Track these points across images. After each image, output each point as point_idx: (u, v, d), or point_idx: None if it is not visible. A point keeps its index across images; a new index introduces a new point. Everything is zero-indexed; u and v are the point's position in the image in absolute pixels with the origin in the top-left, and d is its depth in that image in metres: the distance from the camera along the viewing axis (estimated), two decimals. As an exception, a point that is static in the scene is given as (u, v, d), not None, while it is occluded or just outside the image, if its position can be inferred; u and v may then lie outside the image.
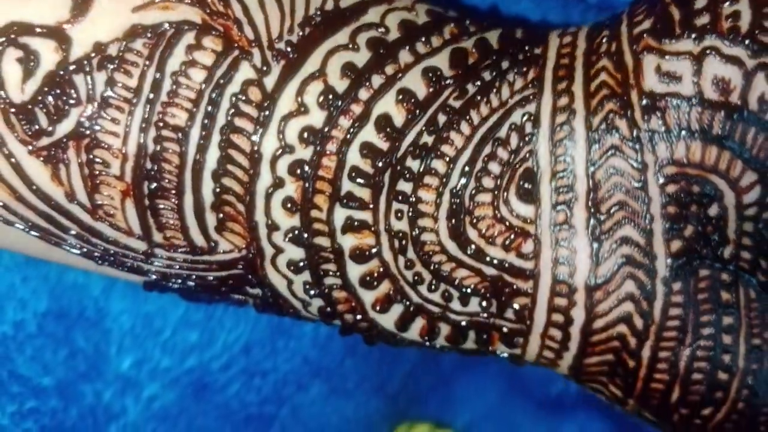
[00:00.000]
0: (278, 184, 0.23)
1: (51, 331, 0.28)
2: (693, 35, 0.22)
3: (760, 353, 0.23)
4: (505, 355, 0.24)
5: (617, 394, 0.24)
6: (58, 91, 0.22)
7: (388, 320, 0.24)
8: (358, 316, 0.24)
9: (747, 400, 0.23)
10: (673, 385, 0.23)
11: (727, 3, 0.22)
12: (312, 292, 0.24)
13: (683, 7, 0.23)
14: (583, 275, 0.23)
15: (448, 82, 0.23)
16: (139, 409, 0.29)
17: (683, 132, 0.22)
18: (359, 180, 0.23)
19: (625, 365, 0.23)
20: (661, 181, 0.23)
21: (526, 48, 0.24)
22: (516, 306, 0.23)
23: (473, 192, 0.23)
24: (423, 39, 0.23)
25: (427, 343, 0.24)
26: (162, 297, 0.29)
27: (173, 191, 0.23)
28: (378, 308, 0.24)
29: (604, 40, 0.24)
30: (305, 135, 0.22)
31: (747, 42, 0.22)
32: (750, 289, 0.23)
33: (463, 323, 0.24)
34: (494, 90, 0.23)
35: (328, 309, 0.24)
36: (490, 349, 0.24)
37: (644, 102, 0.22)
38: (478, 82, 0.23)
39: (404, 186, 0.23)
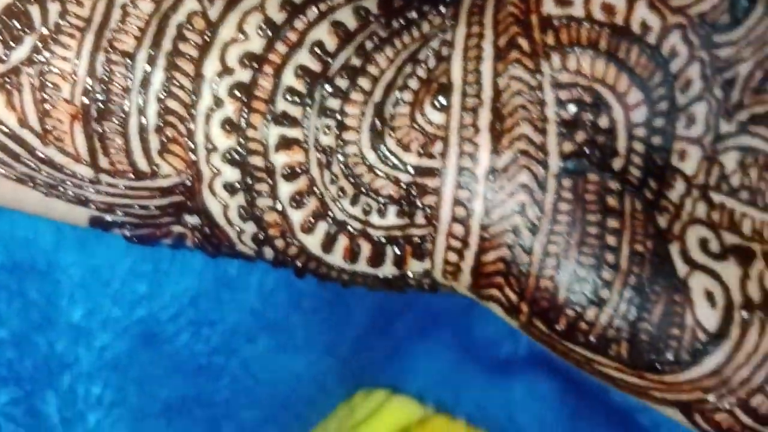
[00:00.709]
0: (218, 104, 0.25)
1: (4, 283, 0.30)
2: None
3: (642, 258, 0.25)
4: (419, 272, 0.26)
5: (512, 298, 0.26)
6: (14, 21, 0.24)
7: (314, 242, 0.25)
8: (288, 239, 0.25)
9: (629, 301, 0.25)
10: (559, 283, 0.25)
11: None
12: (245, 215, 0.25)
13: None
14: (484, 167, 0.25)
15: (376, 18, 0.25)
16: (91, 358, 0.31)
17: (575, 46, 0.25)
18: (293, 99, 0.25)
19: (519, 260, 0.25)
20: (556, 88, 0.25)
21: None
22: (425, 205, 0.25)
23: (394, 105, 0.25)
24: None
25: (349, 267, 0.26)
26: (110, 249, 0.30)
27: (120, 114, 0.25)
28: (305, 228, 0.25)
29: None
30: (245, 60, 0.25)
31: None
32: (637, 200, 0.25)
33: (382, 239, 0.25)
34: (416, 26, 0.26)
35: (260, 235, 0.25)
36: (406, 269, 0.26)
37: (542, 23, 0.25)
38: (402, 20, 0.26)
39: (332, 103, 0.25)
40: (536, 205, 0.25)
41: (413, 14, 0.26)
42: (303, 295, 0.34)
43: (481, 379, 0.42)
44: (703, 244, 0.26)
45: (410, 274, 0.26)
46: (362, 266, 0.26)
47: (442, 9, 0.26)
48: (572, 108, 0.25)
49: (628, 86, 0.25)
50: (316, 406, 0.37)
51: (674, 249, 0.26)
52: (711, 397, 0.26)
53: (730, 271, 0.26)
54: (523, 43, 0.25)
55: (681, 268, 0.26)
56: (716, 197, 0.26)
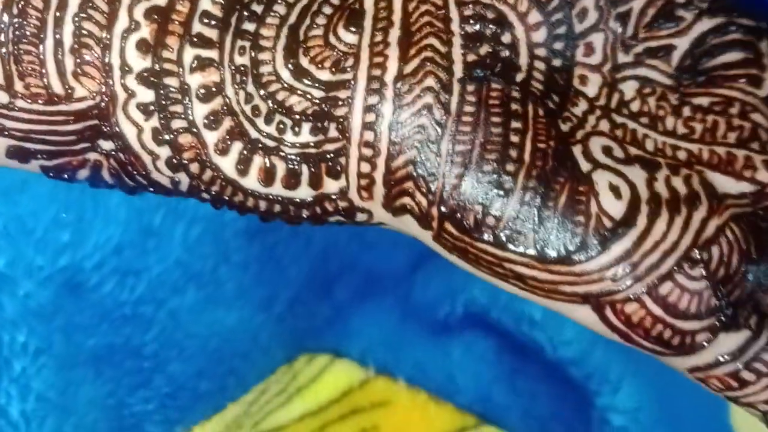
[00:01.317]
0: (134, 27, 0.25)
1: (-72, 232, 0.30)
2: None
3: (545, 153, 0.26)
4: (335, 192, 0.27)
5: (423, 203, 0.26)
6: None
7: (229, 164, 0.26)
8: (203, 162, 0.26)
9: (535, 189, 0.26)
10: (467, 179, 0.26)
11: None
12: (160, 138, 0.26)
13: None
14: (392, 73, 0.26)
15: None
16: (15, 306, 0.31)
17: None
18: (209, 22, 0.25)
19: (428, 162, 0.26)
20: (460, 6, 0.27)
21: None
22: (337, 117, 0.26)
23: (308, 28, 0.26)
24: None
25: (264, 190, 0.26)
26: (34, 199, 0.31)
27: (36, 35, 0.25)
28: (220, 148, 0.26)
29: None
30: None
31: None
32: (539, 107, 0.27)
33: (296, 157, 0.26)
34: None
35: (175, 159, 0.26)
36: (322, 193, 0.27)
37: None
38: None
39: (248, 26, 0.26)
40: (442, 106, 0.26)
41: None
42: (231, 249, 0.34)
43: (420, 340, 0.42)
44: (608, 150, 0.27)
45: (327, 194, 0.27)
46: (278, 189, 0.26)
47: None
48: (475, 23, 0.27)
49: (528, 7, 0.27)
50: (254, 364, 0.37)
51: (577, 150, 0.27)
52: (620, 285, 0.26)
53: (636, 172, 0.27)
54: None
55: (584, 165, 0.26)
56: (618, 119, 0.28)
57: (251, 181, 0.26)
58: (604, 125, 0.28)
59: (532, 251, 0.26)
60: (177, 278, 0.33)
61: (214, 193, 0.26)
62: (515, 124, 0.26)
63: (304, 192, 0.26)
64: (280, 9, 0.26)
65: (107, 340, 0.32)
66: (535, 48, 0.27)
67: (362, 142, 0.26)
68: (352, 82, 0.26)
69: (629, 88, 0.28)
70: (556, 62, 0.27)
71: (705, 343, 0.27)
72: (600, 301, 0.26)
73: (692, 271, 0.26)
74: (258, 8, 0.26)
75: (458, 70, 0.26)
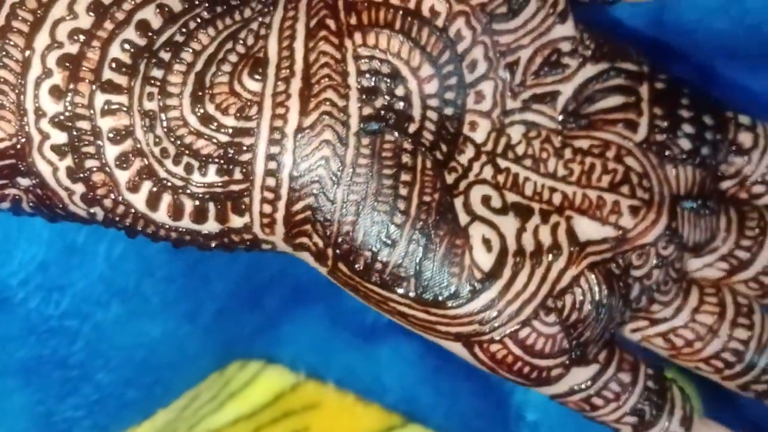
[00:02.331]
0: (47, 74, 0.27)
1: None
2: None
3: (429, 207, 0.29)
4: (239, 227, 0.29)
5: (319, 244, 0.29)
6: None
7: (140, 200, 0.28)
8: (115, 199, 0.28)
9: (417, 241, 0.29)
10: (358, 227, 0.28)
11: None
12: (74, 176, 0.28)
13: None
14: (292, 126, 0.28)
15: (200, 3, 0.28)
16: (-57, 321, 0.33)
17: (374, 26, 0.29)
18: (118, 68, 0.27)
19: (323, 208, 0.28)
20: (356, 58, 0.29)
21: None
22: (242, 162, 0.28)
23: (213, 75, 0.28)
24: None
25: (174, 223, 0.28)
26: (-41, 222, 0.33)
27: None
28: (131, 186, 0.28)
29: None
30: (74, 35, 0.27)
31: None
32: (428, 159, 0.29)
33: (203, 195, 0.28)
34: (239, 10, 0.29)
35: (90, 195, 0.28)
36: (228, 227, 0.29)
37: (346, 6, 0.29)
38: (226, 5, 0.29)
39: (156, 72, 0.27)
40: (338, 158, 0.28)
41: (235, 0, 0.29)
42: (155, 264, 0.36)
43: (348, 345, 0.44)
44: (486, 200, 0.30)
45: (233, 228, 0.29)
46: (186, 223, 0.28)
47: None
48: (371, 77, 0.29)
49: (420, 61, 0.29)
50: (181, 373, 0.39)
51: (458, 202, 0.30)
52: (486, 329, 0.29)
53: (508, 223, 0.30)
54: (331, 23, 0.29)
55: (463, 218, 0.29)
56: (503, 163, 0.31)
57: (161, 216, 0.28)
58: (488, 171, 0.30)
59: (412, 294, 0.29)
60: (101, 293, 0.35)
61: (127, 224, 0.28)
62: (405, 177, 0.29)
63: (211, 226, 0.29)
64: (187, 56, 0.28)
65: (35, 352, 0.34)
66: (427, 99, 0.29)
67: (264, 186, 0.28)
68: (256, 130, 0.28)
69: (516, 132, 0.31)
70: (448, 111, 0.30)
71: (559, 377, 0.31)
72: (470, 341, 0.30)
73: (547, 318, 0.30)
74: (166, 56, 0.28)
75: (354, 123, 0.28)
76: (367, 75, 0.29)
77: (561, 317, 0.30)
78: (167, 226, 0.29)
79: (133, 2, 0.28)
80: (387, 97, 0.29)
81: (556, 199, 0.31)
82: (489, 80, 0.30)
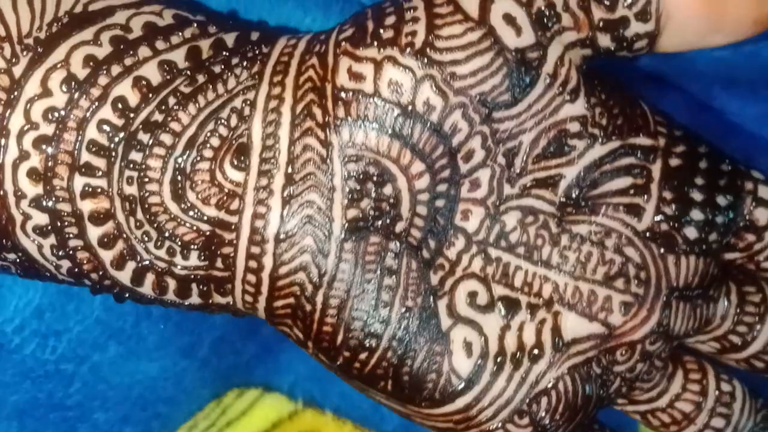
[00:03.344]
0: (24, 156, 0.26)
1: None
2: (378, 45, 0.27)
3: (410, 313, 0.28)
4: (222, 303, 0.29)
5: (300, 336, 0.29)
6: None
7: (125, 276, 0.28)
8: (101, 274, 0.28)
9: (395, 349, 0.28)
10: (338, 329, 0.28)
11: (409, 23, 0.27)
12: (59, 254, 0.28)
13: (376, 22, 0.28)
14: (274, 229, 0.27)
15: (180, 72, 0.27)
16: (-60, 368, 0.33)
17: (362, 122, 0.27)
18: (96, 150, 0.27)
19: (303, 309, 0.28)
20: (343, 159, 0.27)
21: (256, 47, 0.29)
22: (223, 254, 0.27)
23: (194, 161, 0.27)
24: (163, 37, 0.28)
25: (159, 296, 0.29)
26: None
27: None
28: (115, 266, 0.28)
29: (317, 43, 0.29)
30: (49, 114, 0.26)
31: (418, 55, 0.27)
32: (413, 260, 0.28)
33: (186, 276, 0.28)
34: (221, 81, 0.28)
35: (76, 269, 0.28)
36: (211, 302, 0.29)
37: (335, 94, 0.27)
38: (209, 74, 0.28)
39: (135, 156, 0.27)
40: (318, 265, 0.27)
41: (219, 68, 0.28)
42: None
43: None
44: (472, 296, 0.29)
45: (216, 303, 0.29)
46: (171, 296, 0.29)
47: (250, 63, 0.28)
48: (358, 178, 0.27)
49: (411, 159, 0.28)
50: (179, 406, 0.39)
51: (442, 304, 0.29)
52: (460, 427, 0.29)
53: (492, 321, 0.29)
54: (317, 112, 0.27)
55: (445, 321, 0.29)
56: (494, 252, 0.29)
57: (147, 290, 0.28)
58: (478, 263, 0.29)
59: (389, 390, 0.29)
60: (98, 336, 0.35)
61: (115, 293, 0.29)
62: (388, 281, 0.28)
63: (195, 300, 0.29)
64: (167, 139, 0.27)
65: (30, 395, 0.35)
66: (418, 194, 0.28)
67: (245, 281, 0.28)
68: (237, 225, 0.27)
69: (512, 218, 0.29)
70: (439, 203, 0.28)
71: None
72: None
73: (520, 421, 0.29)
74: (144, 137, 0.27)
75: (337, 228, 0.27)
76: (354, 176, 0.27)
77: (534, 420, 0.29)
78: (152, 297, 0.29)
79: (108, 76, 0.27)
80: (374, 197, 0.28)
81: (546, 290, 0.29)
82: (486, 168, 0.29)
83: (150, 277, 0.28)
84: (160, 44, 0.27)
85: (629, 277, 0.30)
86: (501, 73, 0.27)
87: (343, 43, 0.28)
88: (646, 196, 0.30)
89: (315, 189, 0.27)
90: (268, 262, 0.27)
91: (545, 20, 0.28)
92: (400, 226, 0.28)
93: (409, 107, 0.27)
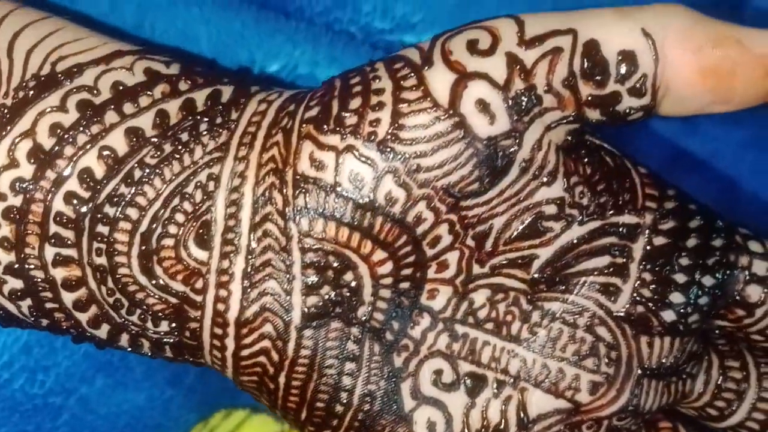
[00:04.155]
0: None
1: None
2: (340, 132, 0.26)
3: (372, 397, 0.28)
4: (196, 360, 0.29)
5: (268, 405, 0.29)
6: None
7: (102, 333, 0.28)
8: (80, 330, 0.28)
9: (357, 429, 0.28)
10: (302, 408, 0.28)
11: (374, 109, 0.26)
12: (37, 314, 0.28)
13: (341, 104, 0.27)
14: (234, 314, 0.27)
15: (147, 141, 0.27)
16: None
17: (321, 212, 0.26)
18: (64, 224, 0.27)
19: (267, 387, 0.28)
20: (302, 249, 0.27)
21: (225, 112, 0.28)
22: (191, 328, 0.28)
23: (160, 236, 0.27)
24: (131, 99, 0.27)
25: (135, 350, 0.29)
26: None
27: None
28: (91, 325, 0.28)
29: (285, 116, 0.28)
30: (16, 185, 0.26)
31: (380, 147, 0.26)
32: (376, 344, 0.28)
33: (158, 340, 0.28)
34: (188, 150, 0.27)
35: (55, 326, 0.28)
36: (187, 358, 0.29)
37: (296, 181, 0.26)
38: (176, 143, 0.27)
39: (102, 228, 0.27)
40: (279, 351, 0.27)
41: (186, 135, 0.27)
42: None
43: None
44: (437, 375, 0.28)
45: (189, 359, 0.29)
46: (146, 352, 0.29)
47: (218, 131, 0.27)
48: (317, 267, 0.27)
49: (372, 248, 0.27)
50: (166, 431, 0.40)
51: (406, 386, 0.28)
52: None
53: (457, 400, 0.28)
54: (278, 198, 0.27)
55: (408, 403, 0.28)
56: (461, 329, 0.28)
57: (124, 344, 0.29)
58: (443, 341, 0.28)
59: None
60: (85, 369, 0.35)
61: (96, 344, 0.29)
62: (349, 367, 0.27)
63: (169, 355, 0.29)
64: (132, 213, 0.27)
65: (19, 429, 0.35)
66: (381, 279, 0.27)
67: (212, 354, 0.28)
68: (202, 304, 0.27)
69: (480, 296, 0.28)
70: (404, 285, 0.28)
71: None
72: None
73: None
74: (111, 210, 0.27)
75: (296, 317, 0.27)
76: (314, 265, 0.27)
77: None
78: (130, 350, 0.29)
79: (74, 146, 0.26)
80: (334, 285, 0.27)
81: (514, 366, 0.28)
82: (454, 251, 0.28)
83: (125, 336, 0.28)
84: (128, 107, 0.27)
85: (600, 356, 0.28)
86: (470, 164, 0.26)
87: (306, 126, 0.27)
88: (623, 277, 0.29)
89: (274, 277, 0.27)
90: (230, 344, 0.27)
91: (524, 104, 0.26)
92: (362, 311, 0.27)
93: (370, 200, 0.26)
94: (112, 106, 0.27)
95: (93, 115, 0.27)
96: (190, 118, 0.27)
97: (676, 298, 0.29)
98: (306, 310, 0.27)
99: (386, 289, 0.27)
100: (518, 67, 0.26)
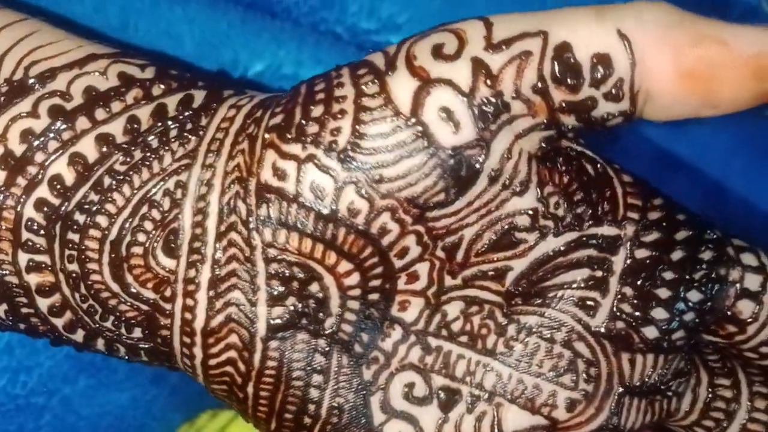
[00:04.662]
0: None
1: None
2: (302, 141, 0.25)
3: (340, 410, 0.27)
4: (171, 365, 0.29)
5: (241, 413, 0.29)
6: None
7: (78, 338, 0.28)
8: (56, 335, 0.28)
9: None
10: (271, 418, 0.28)
11: (335, 117, 0.25)
12: (14, 318, 0.28)
13: (303, 112, 0.26)
14: (200, 323, 0.27)
15: (118, 147, 0.27)
16: None
17: (284, 223, 0.26)
18: (35, 231, 0.26)
19: (237, 396, 0.28)
20: (266, 259, 0.26)
21: (195, 117, 0.28)
22: (162, 336, 0.28)
23: (129, 244, 0.27)
24: (103, 105, 0.27)
25: (116, 356, 0.29)
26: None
27: None
28: (67, 330, 0.28)
29: (252, 123, 0.27)
30: None
31: (341, 156, 0.25)
32: (344, 356, 0.27)
33: (133, 345, 0.28)
34: (157, 157, 0.27)
35: (33, 331, 0.28)
36: (163, 363, 0.29)
37: (258, 191, 0.26)
38: (146, 149, 0.27)
39: (73, 236, 0.27)
40: (245, 362, 0.27)
41: (156, 141, 0.27)
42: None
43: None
44: (409, 388, 0.28)
45: (164, 364, 0.29)
46: (123, 355, 0.29)
47: (187, 137, 0.27)
48: (282, 278, 0.26)
49: (336, 260, 0.26)
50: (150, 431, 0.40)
51: (375, 399, 0.27)
52: None
53: (429, 415, 0.28)
54: (242, 208, 0.26)
55: (378, 417, 0.27)
56: (434, 342, 0.28)
57: (100, 348, 0.29)
58: (416, 354, 0.27)
59: None
60: (68, 370, 0.35)
61: (74, 347, 0.29)
62: (317, 379, 0.27)
63: (145, 359, 0.29)
64: (102, 221, 0.27)
65: (1, 429, 0.35)
66: (348, 290, 0.27)
67: (184, 362, 0.28)
68: (171, 312, 0.27)
69: (454, 308, 0.28)
70: (373, 297, 0.27)
71: None
72: None
73: None
74: (81, 218, 0.26)
75: (261, 328, 0.26)
76: (278, 276, 0.26)
77: None
78: (107, 354, 0.29)
79: (45, 153, 0.26)
80: (299, 297, 0.26)
81: (489, 381, 0.27)
82: (424, 262, 0.27)
83: (101, 341, 0.28)
84: (99, 113, 0.27)
85: (578, 372, 0.27)
86: (434, 175, 0.25)
87: (270, 134, 0.26)
88: (602, 292, 0.27)
89: (239, 287, 0.26)
90: (198, 353, 0.27)
91: (490, 112, 0.25)
92: (329, 323, 0.27)
93: (332, 211, 0.25)
94: (84, 112, 0.27)
95: (64, 121, 0.27)
96: (160, 124, 0.27)
97: (659, 313, 0.28)
98: (271, 321, 0.26)
99: (354, 301, 0.27)
100: (484, 72, 0.25)
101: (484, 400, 0.27)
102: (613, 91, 0.25)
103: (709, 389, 0.30)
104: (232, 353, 0.27)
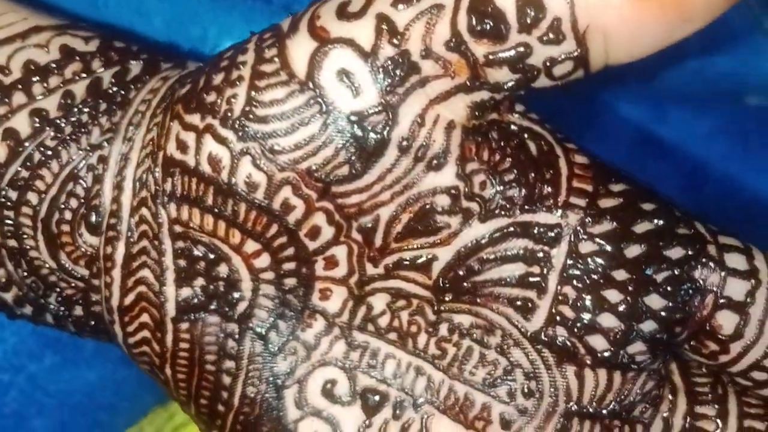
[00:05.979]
0: None
1: None
2: (200, 110, 0.24)
3: (252, 400, 0.25)
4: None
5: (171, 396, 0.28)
6: None
7: (28, 312, 0.28)
8: (10, 309, 0.28)
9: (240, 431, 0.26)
10: (189, 401, 0.27)
11: (232, 85, 0.24)
12: None
13: (205, 80, 0.24)
14: (116, 302, 0.26)
15: (50, 123, 0.26)
16: None
17: (186, 198, 0.25)
18: None
19: (159, 378, 0.27)
20: (173, 237, 0.25)
21: (123, 91, 0.27)
22: (95, 312, 0.28)
23: (58, 222, 0.26)
24: (40, 79, 0.27)
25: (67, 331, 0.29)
26: None
27: None
28: (17, 305, 0.28)
29: (170, 94, 0.26)
30: None
31: (235, 126, 0.23)
32: (257, 344, 0.25)
33: (78, 321, 0.28)
34: (86, 133, 0.26)
35: None
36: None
37: (164, 164, 0.25)
38: (76, 124, 0.26)
39: (8, 213, 0.26)
40: (159, 342, 0.26)
41: (86, 116, 0.26)
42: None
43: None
44: (329, 386, 0.25)
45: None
46: (74, 332, 0.29)
47: (115, 111, 0.27)
48: (188, 257, 0.25)
49: (241, 238, 0.25)
50: (121, 413, 0.40)
51: (290, 393, 0.25)
52: None
53: (351, 416, 0.25)
54: (151, 182, 0.25)
55: (292, 413, 0.25)
56: (360, 337, 0.25)
57: (51, 323, 0.29)
58: (340, 348, 0.25)
59: None
60: (33, 346, 0.35)
61: (29, 321, 0.29)
62: (228, 365, 0.25)
63: (94, 337, 0.29)
64: (33, 198, 0.26)
65: (-33, 405, 0.35)
66: (260, 273, 0.25)
67: (115, 342, 0.28)
68: (100, 288, 0.27)
69: (379, 301, 0.25)
70: (289, 281, 0.25)
71: None
72: None
73: None
74: (13, 195, 0.26)
75: (171, 308, 0.25)
76: (184, 255, 0.25)
77: None
78: (58, 329, 0.29)
79: None
80: (207, 277, 0.25)
81: (420, 385, 0.25)
82: (341, 245, 0.25)
83: (49, 316, 0.28)
84: (36, 88, 0.26)
85: (516, 384, 0.24)
86: (334, 144, 0.23)
87: (177, 105, 0.25)
88: (539, 291, 0.24)
89: (148, 265, 0.26)
90: (118, 331, 0.27)
91: (395, 74, 0.23)
92: (241, 307, 0.25)
93: (230, 185, 0.24)
94: (21, 87, 0.26)
95: (1, 96, 0.26)
96: (92, 98, 0.26)
97: (607, 320, 0.24)
98: (180, 302, 0.25)
99: (268, 285, 0.25)
100: (388, 29, 0.22)
101: (411, 407, 0.25)
102: (551, 34, 0.22)
103: (687, 418, 0.25)
104: (146, 333, 0.26)
